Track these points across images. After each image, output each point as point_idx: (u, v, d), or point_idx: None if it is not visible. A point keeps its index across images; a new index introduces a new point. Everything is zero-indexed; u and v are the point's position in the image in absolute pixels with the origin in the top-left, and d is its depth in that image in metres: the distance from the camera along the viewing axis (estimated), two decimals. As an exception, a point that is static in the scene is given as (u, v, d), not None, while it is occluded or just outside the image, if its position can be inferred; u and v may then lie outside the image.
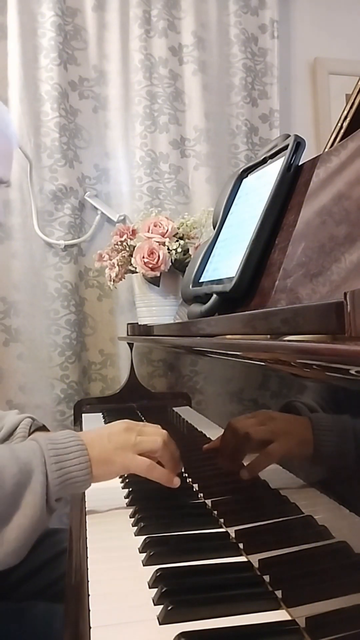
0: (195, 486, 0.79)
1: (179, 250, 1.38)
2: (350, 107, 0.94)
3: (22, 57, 1.67)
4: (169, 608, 0.47)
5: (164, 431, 0.77)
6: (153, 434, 0.75)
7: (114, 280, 1.48)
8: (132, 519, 0.70)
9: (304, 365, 0.43)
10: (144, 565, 0.58)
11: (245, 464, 0.62)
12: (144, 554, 0.59)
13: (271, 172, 0.82)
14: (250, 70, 1.92)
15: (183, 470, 0.87)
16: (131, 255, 1.42)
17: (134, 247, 1.41)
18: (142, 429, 0.75)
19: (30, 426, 0.94)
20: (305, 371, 0.44)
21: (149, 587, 0.53)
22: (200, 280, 0.90)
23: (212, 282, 0.85)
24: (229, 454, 0.67)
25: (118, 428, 0.75)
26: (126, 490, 0.82)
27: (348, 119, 0.94)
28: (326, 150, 0.82)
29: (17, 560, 0.63)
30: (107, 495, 0.79)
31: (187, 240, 1.41)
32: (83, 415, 1.52)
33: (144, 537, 0.63)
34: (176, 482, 0.73)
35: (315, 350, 0.40)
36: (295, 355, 0.44)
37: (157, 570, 0.54)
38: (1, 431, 0.93)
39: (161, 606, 0.48)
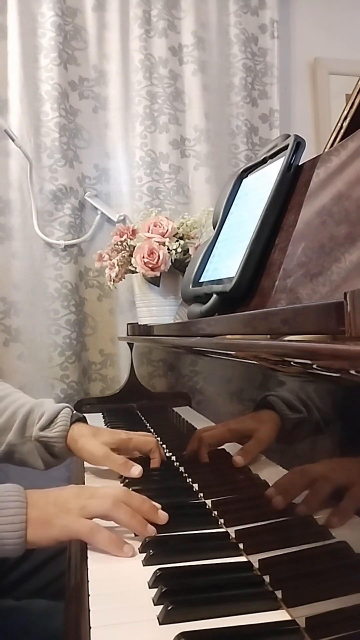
0: (195, 486, 0.79)
1: (179, 250, 1.38)
2: (350, 107, 0.94)
3: (22, 57, 1.67)
4: (169, 608, 0.47)
5: (120, 490, 0.68)
6: (103, 496, 0.65)
7: (114, 280, 1.48)
8: (132, 519, 0.70)
9: (304, 365, 0.43)
10: (144, 565, 0.58)
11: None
12: (144, 554, 0.59)
13: (271, 172, 0.82)
14: (250, 70, 1.92)
15: (185, 472, 0.87)
16: (131, 255, 1.42)
17: (134, 247, 1.41)
18: (95, 491, 0.67)
19: (70, 417, 0.92)
20: (305, 371, 0.44)
21: (149, 587, 0.53)
22: (200, 280, 0.90)
23: (212, 282, 0.85)
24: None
25: (68, 492, 0.67)
26: (126, 490, 0.82)
27: (348, 119, 0.94)
28: (326, 150, 0.82)
29: None
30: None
31: (187, 240, 1.41)
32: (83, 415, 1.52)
33: (139, 534, 0.63)
34: (127, 550, 0.60)
35: (315, 350, 0.40)
36: (295, 355, 0.44)
37: (157, 570, 0.54)
38: (42, 418, 0.91)
39: (161, 606, 0.48)
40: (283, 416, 0.54)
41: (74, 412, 0.94)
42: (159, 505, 0.67)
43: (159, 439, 1.09)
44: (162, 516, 0.66)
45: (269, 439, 0.61)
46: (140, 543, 0.62)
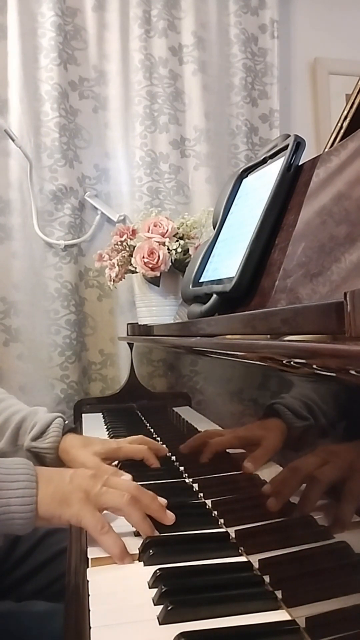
0: (195, 486, 0.79)
1: (179, 250, 1.38)
2: (350, 107, 0.94)
3: (22, 57, 1.67)
4: (169, 608, 0.47)
5: (135, 485, 0.66)
6: (120, 489, 0.64)
7: (114, 280, 1.48)
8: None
9: (303, 365, 0.43)
10: (144, 566, 0.58)
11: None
12: (144, 554, 0.59)
13: (271, 172, 0.82)
14: (250, 70, 1.92)
15: (185, 472, 0.87)
16: (131, 255, 1.42)
17: (134, 247, 1.41)
18: (110, 479, 0.66)
19: (62, 427, 0.92)
20: (305, 371, 0.44)
21: (149, 587, 0.53)
22: (200, 280, 0.90)
23: (212, 282, 0.85)
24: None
25: (83, 472, 0.66)
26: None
27: (348, 119, 0.94)
28: (326, 150, 0.82)
29: None
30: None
31: (187, 240, 1.42)
32: (83, 415, 1.52)
33: (144, 536, 0.63)
34: (127, 561, 0.59)
35: (315, 350, 0.40)
36: (295, 355, 0.44)
37: (157, 570, 0.54)
38: (34, 428, 0.91)
39: (161, 606, 0.48)
40: (284, 418, 0.54)
41: (66, 422, 0.94)
42: (165, 502, 0.67)
43: (159, 439, 1.09)
44: (170, 516, 0.65)
45: (277, 446, 0.61)
46: (141, 542, 0.62)
